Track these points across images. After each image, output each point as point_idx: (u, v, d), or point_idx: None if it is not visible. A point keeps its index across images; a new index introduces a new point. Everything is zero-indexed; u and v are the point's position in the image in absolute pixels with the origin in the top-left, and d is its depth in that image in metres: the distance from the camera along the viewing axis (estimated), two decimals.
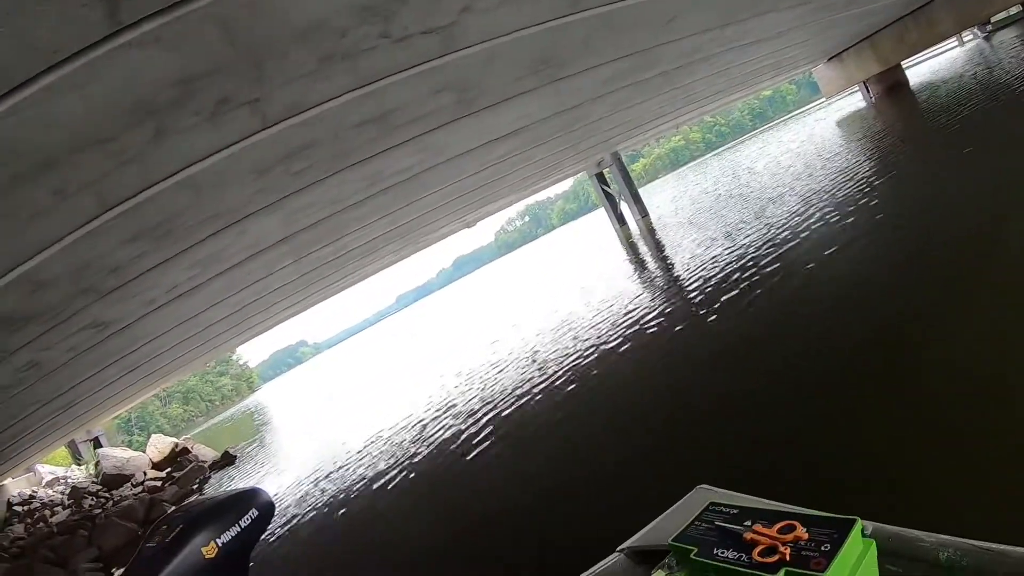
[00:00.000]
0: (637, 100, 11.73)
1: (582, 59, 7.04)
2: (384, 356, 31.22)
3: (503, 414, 7.99)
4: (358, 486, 8.16)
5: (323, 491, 8.80)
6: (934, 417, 3.49)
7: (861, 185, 10.64)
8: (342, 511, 7.48)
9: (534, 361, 9.91)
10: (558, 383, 8.02)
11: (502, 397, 8.77)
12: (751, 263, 9.13)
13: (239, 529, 1.93)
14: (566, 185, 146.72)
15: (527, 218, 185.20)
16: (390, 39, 4.01)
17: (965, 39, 41.23)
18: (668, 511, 1.38)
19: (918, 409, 3.63)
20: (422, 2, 3.71)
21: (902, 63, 26.70)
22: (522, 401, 8.08)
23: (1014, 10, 26.28)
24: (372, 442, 10.36)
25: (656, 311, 9.19)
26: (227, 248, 6.83)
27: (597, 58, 7.30)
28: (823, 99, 33.03)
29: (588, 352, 8.74)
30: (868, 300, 5.76)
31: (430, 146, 7.35)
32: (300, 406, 29.41)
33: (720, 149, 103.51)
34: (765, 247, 9.70)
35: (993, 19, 33.54)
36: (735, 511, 1.04)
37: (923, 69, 33.58)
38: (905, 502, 2.88)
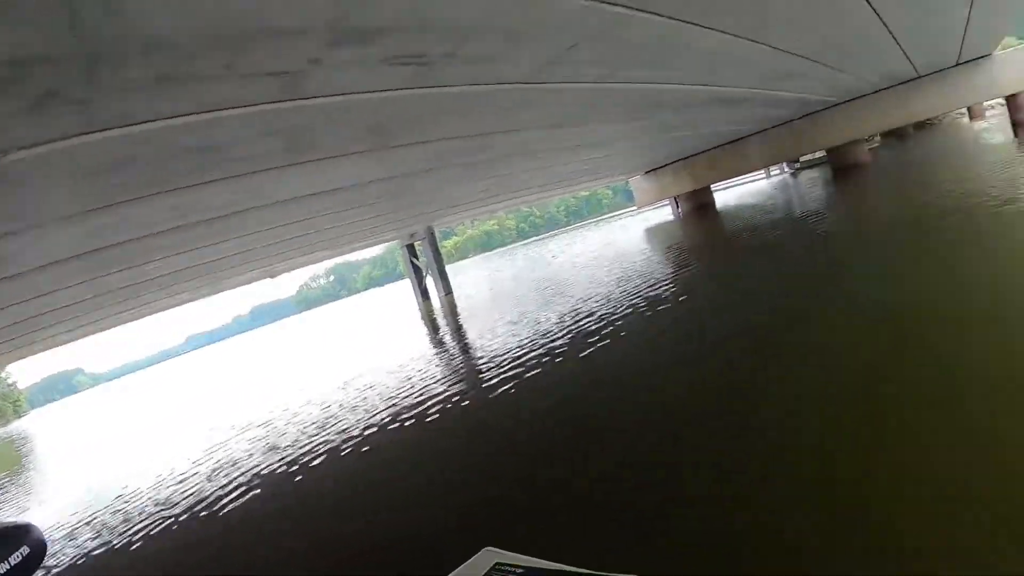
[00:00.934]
0: (463, 181, 12.11)
1: (419, 131, 7.23)
2: (167, 397, 29.27)
3: (267, 473, 7.78)
4: (115, 535, 7.58)
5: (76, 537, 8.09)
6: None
7: (648, 289, 11.55)
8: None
9: (315, 422, 9.76)
10: (338, 446, 7.93)
11: (274, 455, 8.54)
12: (535, 349, 9.65)
13: (8, 568, 1.79)
14: (376, 250, 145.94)
15: (332, 277, 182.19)
16: (236, 73, 4.01)
17: (772, 172, 46.20)
18: (451, 574, 1.36)
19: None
20: (274, 43, 3.74)
21: (712, 185, 29.47)
22: (295, 460, 7.91)
23: (820, 153, 29.66)
24: (142, 487, 9.68)
25: (443, 384, 9.40)
26: (17, 254, 6.37)
27: (433, 133, 7.53)
28: (635, 208, 35.57)
29: (374, 418, 8.74)
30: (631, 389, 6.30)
31: (251, 188, 7.24)
32: (71, 439, 26.77)
33: (531, 240, 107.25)
34: (547, 336, 10.29)
35: (802, 158, 37.82)
36: (521, 571, 1.07)
37: (730, 194, 36.93)
38: None
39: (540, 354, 9.28)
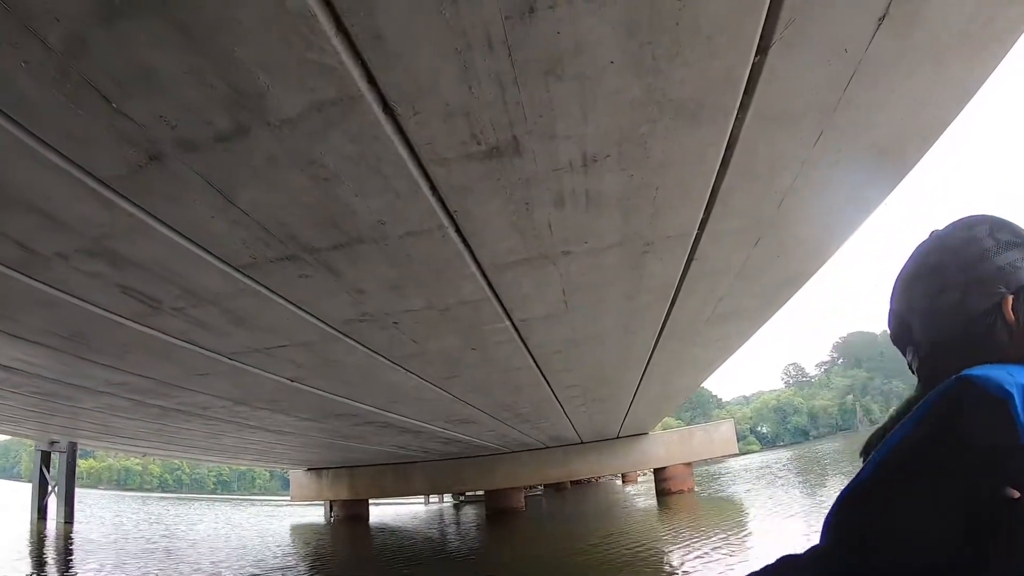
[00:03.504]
0: (130, 415, 11.52)
1: (115, 357, 7.01)
2: None
3: None
4: None
5: None
6: None
7: None
8: None
9: None
10: None
11: None
12: None
13: None
14: (3, 436, 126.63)
15: None
16: None
17: (431, 500, 47.35)
18: None
19: None
20: (42, 226, 3.71)
21: (370, 500, 29.58)
22: None
23: (481, 492, 30.97)
24: None
25: None
26: None
27: (126, 365, 7.31)
28: (289, 498, 34.44)
29: None
30: None
31: None
32: None
33: (171, 495, 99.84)
34: None
35: (467, 492, 39.38)
36: None
37: (387, 511, 37.12)
38: None
39: None
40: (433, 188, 3.41)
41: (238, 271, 4.29)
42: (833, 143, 3.58)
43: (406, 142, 2.95)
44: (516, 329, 6.49)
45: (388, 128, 2.81)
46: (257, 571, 13.23)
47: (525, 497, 31.00)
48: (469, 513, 33.24)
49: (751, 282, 6.56)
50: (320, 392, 9.03)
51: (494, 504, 28.08)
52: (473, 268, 4.59)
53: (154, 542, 19.95)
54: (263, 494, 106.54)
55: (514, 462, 25.10)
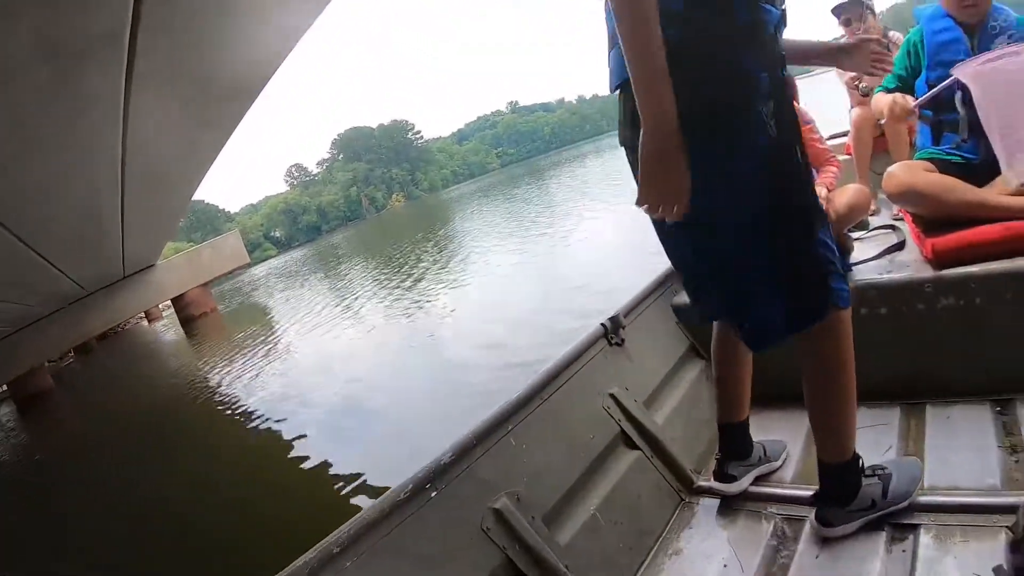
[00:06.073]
0: None
1: None
2: None
3: None
4: None
5: None
6: None
7: None
8: None
9: None
10: None
11: None
12: None
13: None
14: None
15: None
16: None
17: None
18: None
19: None
20: None
21: None
22: None
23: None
24: None
25: None
26: None
27: None
28: None
29: None
30: None
31: None
32: None
33: None
34: None
35: None
36: None
37: None
38: None
39: None
40: None
41: None
42: None
43: None
44: None
45: None
46: None
47: (52, 375, 28.21)
48: (5, 414, 29.38)
49: (209, 85, 6.39)
50: None
51: (19, 394, 24.74)
52: None
53: None
54: None
55: (22, 341, 22.13)
